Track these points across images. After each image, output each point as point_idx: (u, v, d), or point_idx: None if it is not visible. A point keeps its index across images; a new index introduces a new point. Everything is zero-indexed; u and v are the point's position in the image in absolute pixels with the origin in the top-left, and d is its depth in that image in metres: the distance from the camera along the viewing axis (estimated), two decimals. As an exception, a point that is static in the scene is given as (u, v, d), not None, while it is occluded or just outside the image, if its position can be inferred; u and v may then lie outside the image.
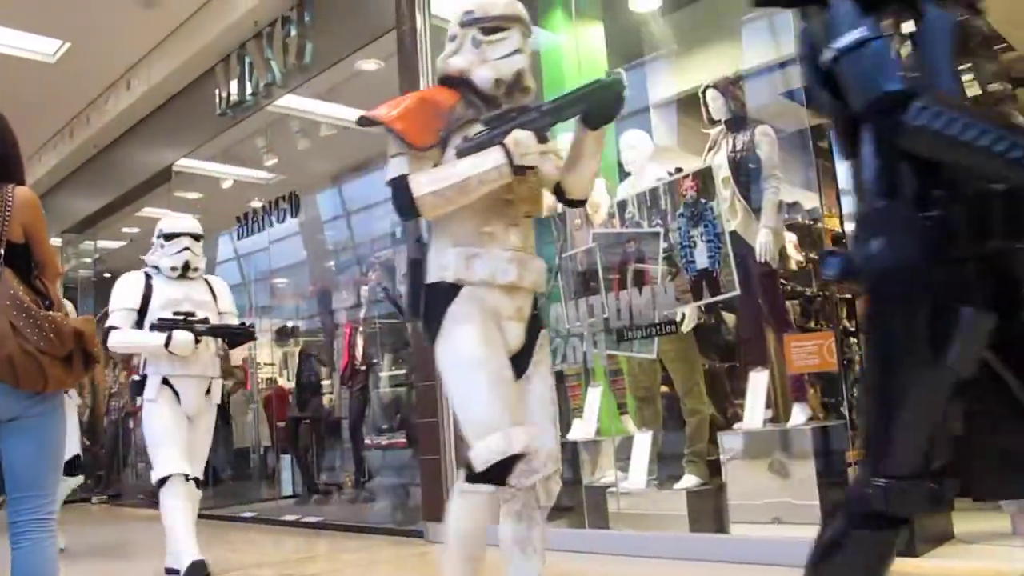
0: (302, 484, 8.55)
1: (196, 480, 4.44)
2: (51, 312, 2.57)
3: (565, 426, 5.39)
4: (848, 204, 4.30)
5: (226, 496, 9.00)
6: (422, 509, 5.71)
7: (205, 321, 4.47)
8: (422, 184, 2.48)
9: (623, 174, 5.22)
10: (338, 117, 8.01)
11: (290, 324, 9.66)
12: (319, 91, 7.54)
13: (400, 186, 2.50)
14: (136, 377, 4.48)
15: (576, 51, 5.64)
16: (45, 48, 8.32)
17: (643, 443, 4.83)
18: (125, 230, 12.10)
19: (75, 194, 11.36)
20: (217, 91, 8.08)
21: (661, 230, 4.62)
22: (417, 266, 2.67)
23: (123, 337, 4.41)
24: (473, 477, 2.47)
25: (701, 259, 4.46)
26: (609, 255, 4.85)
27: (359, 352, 7.77)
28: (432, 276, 2.62)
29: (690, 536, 4.42)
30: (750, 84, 4.79)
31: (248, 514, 7.83)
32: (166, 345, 4.27)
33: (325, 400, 8.38)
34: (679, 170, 4.78)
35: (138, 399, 4.47)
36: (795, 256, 5.87)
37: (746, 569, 3.90)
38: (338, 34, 6.81)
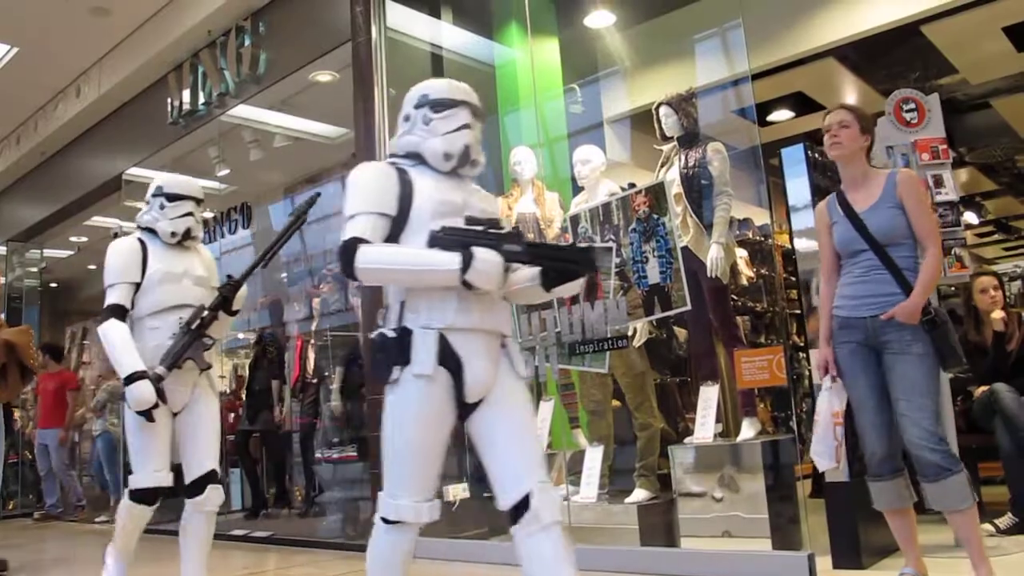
0: (251, 498, 8.43)
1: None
2: None
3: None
4: (798, 220, 4.36)
5: (173, 510, 8.84)
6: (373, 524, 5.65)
7: (516, 236, 2.51)
8: None
9: (576, 189, 5.25)
10: (291, 128, 7.97)
11: (240, 335, 9.54)
12: (272, 102, 7.50)
13: None
14: (388, 332, 2.54)
15: (531, 67, 5.67)
16: (-8, 53, 8.17)
17: (594, 457, 4.84)
18: (73, 239, 11.91)
19: (22, 202, 11.16)
20: (169, 100, 7.99)
21: (613, 245, 4.65)
22: None
23: (383, 255, 2.48)
24: None
25: (653, 274, 4.49)
26: (562, 269, 4.85)
27: (310, 365, 7.70)
28: None
29: (641, 550, 4.43)
30: (703, 101, 4.84)
31: (196, 529, 7.70)
32: (464, 270, 2.35)
33: (275, 413, 8.27)
34: (632, 185, 4.82)
35: (393, 371, 2.49)
36: (746, 272, 5.95)
37: (695, 583, 3.92)
38: (292, 45, 6.78)
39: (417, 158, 2.67)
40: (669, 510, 4.52)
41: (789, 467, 4.35)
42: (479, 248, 2.37)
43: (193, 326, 3.73)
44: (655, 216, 4.51)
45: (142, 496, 3.86)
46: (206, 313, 3.75)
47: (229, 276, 3.86)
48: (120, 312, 3.68)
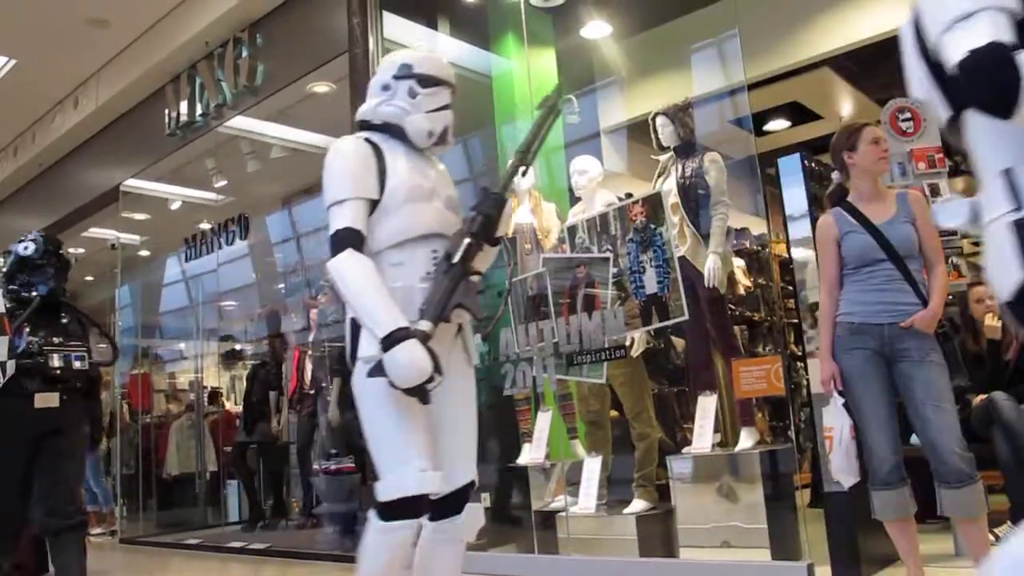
0: (248, 510, 8.41)
1: None
2: None
3: (515, 451, 5.39)
4: (795, 230, 4.36)
5: (171, 522, 8.83)
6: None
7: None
8: None
9: (573, 199, 5.24)
10: (289, 139, 7.97)
11: (238, 347, 9.53)
12: (270, 113, 7.51)
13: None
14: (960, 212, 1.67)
15: (528, 77, 5.68)
16: (-10, 65, 8.17)
17: (593, 467, 4.83)
18: (71, 250, 11.85)
19: (19, 213, 11.15)
20: (167, 111, 8.00)
21: (611, 255, 4.65)
22: None
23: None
24: None
25: (650, 284, 4.49)
26: (559, 280, 4.86)
27: (307, 376, 7.69)
28: None
29: (639, 561, 4.42)
30: (699, 111, 4.84)
31: (193, 541, 7.69)
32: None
33: (273, 424, 8.26)
34: (629, 196, 4.81)
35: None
36: (743, 281, 5.95)
37: (694, 593, 3.91)
38: (290, 56, 6.79)
39: None
40: (668, 520, 4.51)
41: (788, 476, 4.34)
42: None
43: (455, 259, 2.56)
44: (652, 226, 4.51)
45: (400, 509, 2.42)
46: (468, 241, 2.57)
47: (484, 188, 2.66)
48: (358, 240, 2.52)
